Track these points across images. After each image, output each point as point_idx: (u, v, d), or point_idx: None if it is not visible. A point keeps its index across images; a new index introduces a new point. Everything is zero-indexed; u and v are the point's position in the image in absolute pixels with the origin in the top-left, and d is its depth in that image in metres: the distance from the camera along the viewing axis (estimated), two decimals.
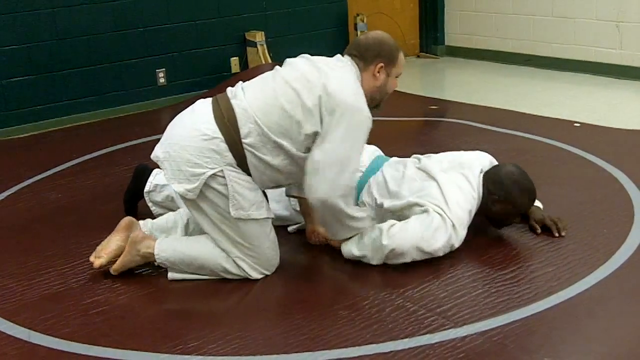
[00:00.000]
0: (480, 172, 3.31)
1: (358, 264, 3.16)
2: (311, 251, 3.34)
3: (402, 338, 2.61)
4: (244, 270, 3.05)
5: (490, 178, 3.27)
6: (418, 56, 7.81)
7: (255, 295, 3.02)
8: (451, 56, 7.66)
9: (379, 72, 3.05)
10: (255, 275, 3.07)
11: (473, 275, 3.03)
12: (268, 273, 3.10)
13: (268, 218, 3.06)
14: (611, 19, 6.32)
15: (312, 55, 3.16)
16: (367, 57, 3.05)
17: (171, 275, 3.12)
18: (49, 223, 3.78)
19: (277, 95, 2.95)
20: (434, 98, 6.03)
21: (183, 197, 3.00)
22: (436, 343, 2.57)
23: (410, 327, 2.67)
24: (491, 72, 6.93)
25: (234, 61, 6.33)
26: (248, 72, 5.70)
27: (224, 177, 2.93)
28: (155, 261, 3.10)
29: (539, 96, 5.95)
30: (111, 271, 3.13)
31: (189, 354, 2.58)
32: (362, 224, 3.09)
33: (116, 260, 3.12)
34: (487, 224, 3.46)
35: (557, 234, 3.31)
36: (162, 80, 6.06)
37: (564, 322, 2.68)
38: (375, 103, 3.10)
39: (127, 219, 3.24)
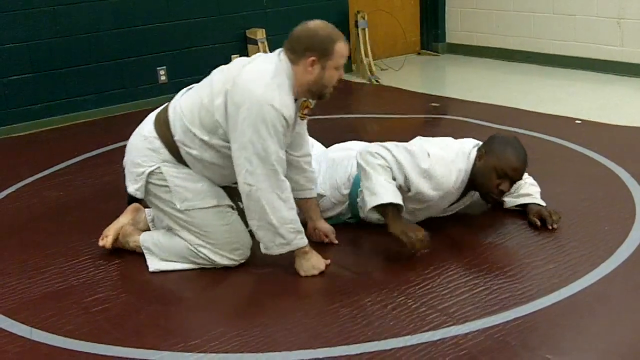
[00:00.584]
0: (471, 151, 3.31)
1: (359, 261, 3.16)
2: (313, 249, 3.33)
3: (403, 335, 2.60)
4: (207, 257, 3.11)
5: (483, 143, 3.34)
6: (419, 53, 7.80)
7: (256, 293, 3.02)
8: (452, 53, 7.65)
9: (311, 66, 2.93)
10: (219, 260, 3.11)
11: (475, 272, 3.02)
12: (235, 258, 3.12)
13: (218, 206, 3.10)
14: (612, 16, 6.31)
15: None
16: (298, 51, 2.94)
17: (152, 265, 3.18)
18: (50, 221, 3.78)
19: (200, 94, 3.04)
20: (435, 95, 6.02)
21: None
22: (438, 340, 2.56)
23: (412, 325, 2.66)
24: (492, 69, 6.93)
25: (235, 59, 6.32)
26: None
27: (161, 172, 3.07)
28: (142, 249, 3.23)
29: (540, 93, 5.94)
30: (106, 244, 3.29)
31: (190, 352, 2.57)
32: (292, 235, 2.98)
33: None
34: (489, 221, 3.46)
35: (549, 227, 3.32)
36: (163, 78, 6.06)
37: (566, 319, 2.68)
38: (314, 96, 3.04)
39: (135, 204, 3.44)
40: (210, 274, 3.13)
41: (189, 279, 3.12)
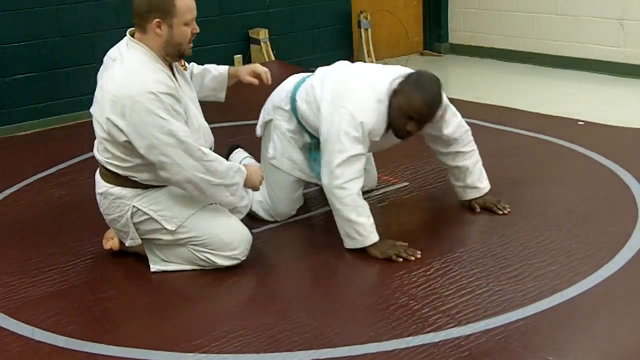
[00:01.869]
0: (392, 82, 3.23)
1: (361, 262, 3.16)
2: (314, 249, 3.33)
3: (405, 336, 2.60)
4: (210, 260, 3.11)
5: (405, 77, 3.21)
6: (421, 54, 7.81)
7: (258, 293, 3.02)
8: (454, 54, 7.66)
9: (159, 28, 2.91)
10: (222, 262, 3.11)
11: (477, 273, 3.02)
12: (237, 256, 3.11)
13: (204, 206, 3.10)
14: (615, 17, 6.31)
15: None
16: (142, 18, 2.93)
17: (154, 266, 3.17)
18: (52, 220, 3.78)
19: (97, 134, 3.05)
20: None
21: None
22: (440, 342, 2.56)
23: (414, 326, 2.66)
24: (494, 70, 6.93)
25: (237, 59, 6.33)
26: None
27: (137, 209, 3.05)
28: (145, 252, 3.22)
29: (542, 94, 5.94)
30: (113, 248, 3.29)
31: (192, 352, 2.57)
32: (233, 177, 3.04)
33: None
34: (491, 223, 3.46)
35: (501, 212, 3.41)
36: None
37: (568, 321, 2.68)
38: (174, 57, 3.00)
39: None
40: (212, 274, 3.13)
41: (191, 279, 3.12)
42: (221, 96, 3.50)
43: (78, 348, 2.64)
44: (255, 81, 3.43)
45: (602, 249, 3.16)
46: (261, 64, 3.60)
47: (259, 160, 3.68)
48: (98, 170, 3.16)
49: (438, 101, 3.16)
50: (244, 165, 3.17)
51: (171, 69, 3.03)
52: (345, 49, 6.86)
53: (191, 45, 3.01)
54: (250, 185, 3.16)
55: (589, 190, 3.82)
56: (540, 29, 6.90)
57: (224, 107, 3.70)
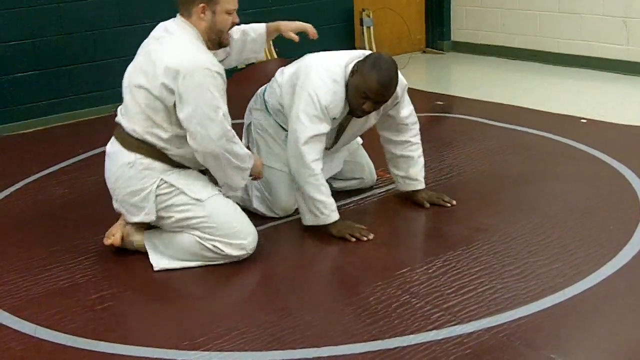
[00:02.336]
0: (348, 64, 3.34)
1: (364, 260, 3.16)
2: (316, 247, 3.34)
3: (408, 334, 2.60)
4: (219, 249, 3.12)
5: (362, 58, 3.32)
6: (424, 51, 7.79)
7: (260, 291, 3.02)
8: (457, 52, 7.64)
9: (203, 13, 3.09)
10: (231, 251, 3.12)
11: (479, 271, 3.02)
12: (246, 246, 3.13)
13: (221, 194, 3.21)
14: (618, 15, 6.29)
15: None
16: (184, 5, 3.12)
17: (156, 264, 3.18)
18: (55, 218, 3.78)
19: (139, 104, 3.12)
20: (440, 94, 6.02)
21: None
22: (442, 339, 2.56)
23: (417, 324, 2.66)
24: (497, 68, 6.92)
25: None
26: (254, 68, 5.70)
27: (165, 181, 3.12)
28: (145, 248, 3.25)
29: (545, 92, 5.93)
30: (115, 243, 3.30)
31: (195, 350, 2.58)
32: (248, 162, 3.19)
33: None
34: (493, 220, 3.46)
35: (448, 205, 3.56)
36: None
37: (571, 319, 2.68)
38: (214, 44, 3.18)
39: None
40: (214, 272, 3.13)
41: (193, 277, 3.12)
42: (260, 56, 3.70)
43: (80, 346, 2.64)
44: (296, 38, 3.57)
45: (604, 247, 3.16)
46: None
47: None
48: (121, 142, 3.18)
49: (394, 82, 3.26)
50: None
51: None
52: (347, 46, 6.85)
53: (230, 35, 3.23)
54: (256, 172, 3.29)
55: (592, 188, 3.81)
56: (543, 26, 6.88)
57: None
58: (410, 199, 3.71)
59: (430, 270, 3.04)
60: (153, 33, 3.23)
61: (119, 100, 6.08)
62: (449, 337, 2.57)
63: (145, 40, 3.24)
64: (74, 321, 2.80)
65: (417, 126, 3.67)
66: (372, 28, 6.96)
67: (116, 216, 3.36)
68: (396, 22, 7.37)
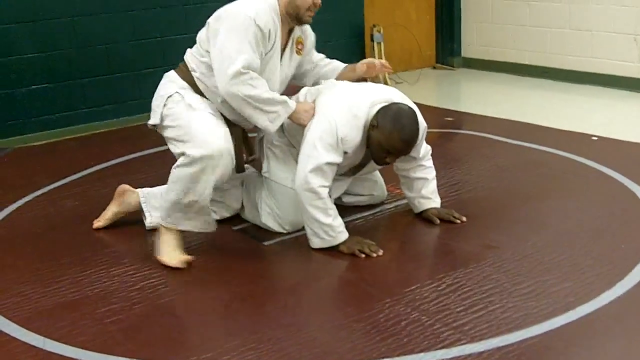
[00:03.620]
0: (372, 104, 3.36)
1: (373, 276, 3.15)
2: (325, 262, 3.33)
3: (417, 352, 2.59)
4: (189, 155, 3.21)
5: (382, 108, 3.34)
6: (434, 67, 7.80)
7: (269, 306, 3.01)
8: (467, 68, 7.65)
9: None
10: (194, 152, 3.21)
11: (490, 289, 3.01)
12: (206, 149, 3.20)
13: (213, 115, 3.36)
14: (629, 32, 6.29)
15: None
16: None
17: (149, 220, 3.60)
18: (65, 231, 3.79)
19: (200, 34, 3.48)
20: (450, 110, 6.02)
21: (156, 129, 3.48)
22: (452, 358, 2.55)
23: (426, 342, 2.65)
24: (507, 84, 6.92)
25: None
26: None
27: (179, 93, 3.38)
28: (141, 203, 3.65)
29: (556, 109, 5.92)
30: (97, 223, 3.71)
31: None
32: (279, 106, 3.30)
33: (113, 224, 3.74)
34: (504, 238, 3.45)
35: (458, 221, 3.54)
36: None
37: (582, 339, 2.66)
38: (293, 19, 3.43)
39: (121, 186, 3.73)
40: (223, 286, 3.13)
41: (202, 292, 3.12)
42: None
43: (89, 359, 2.64)
44: (370, 75, 3.80)
45: (616, 265, 3.14)
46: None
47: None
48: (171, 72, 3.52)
49: (416, 135, 3.33)
50: (299, 102, 3.43)
51: (288, 34, 3.48)
52: (358, 62, 6.86)
53: (310, 14, 3.45)
54: (296, 120, 3.39)
55: (603, 206, 3.80)
56: (554, 43, 6.88)
57: None
58: (420, 215, 3.70)
59: (440, 288, 3.03)
60: None
61: (131, 113, 6.14)
62: (459, 356, 2.56)
63: None
64: (82, 334, 2.80)
65: (430, 151, 3.69)
66: (382, 44, 6.97)
67: (127, 230, 3.38)
68: (406, 38, 7.38)
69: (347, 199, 3.81)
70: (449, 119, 5.75)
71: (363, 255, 3.30)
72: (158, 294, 3.10)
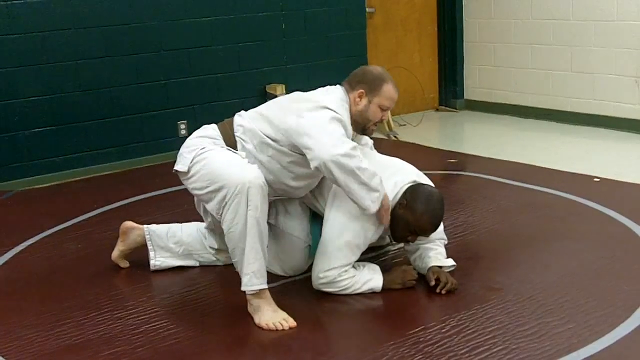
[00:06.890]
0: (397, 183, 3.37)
1: (375, 318, 3.14)
2: (327, 305, 3.32)
3: None
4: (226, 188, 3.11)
5: (411, 187, 3.36)
6: (437, 110, 7.85)
7: (272, 350, 3.00)
8: (470, 110, 7.70)
9: (359, 97, 3.34)
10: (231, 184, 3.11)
11: (493, 331, 3.00)
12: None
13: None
14: (630, 75, 6.34)
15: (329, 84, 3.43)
16: (351, 83, 3.39)
17: (154, 262, 3.65)
18: (69, 273, 3.79)
19: (268, 108, 3.38)
20: (453, 151, 6.04)
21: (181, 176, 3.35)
22: None
23: None
24: (510, 126, 6.95)
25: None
26: None
27: (211, 143, 3.28)
28: (145, 239, 3.67)
29: (558, 150, 5.95)
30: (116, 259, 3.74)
31: None
32: (378, 185, 3.19)
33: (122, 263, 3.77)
34: (507, 280, 3.45)
35: (438, 291, 3.34)
36: (183, 131, 6.11)
37: None
38: (359, 127, 3.39)
39: (125, 223, 3.73)
40: (225, 331, 3.12)
41: (203, 339, 3.11)
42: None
43: None
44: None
45: (618, 307, 3.14)
46: None
47: None
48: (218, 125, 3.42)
49: (441, 221, 3.39)
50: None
51: None
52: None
53: (375, 128, 3.45)
54: (381, 211, 3.25)
55: (605, 248, 3.80)
56: (556, 85, 6.94)
57: None
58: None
59: (444, 330, 3.02)
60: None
61: (135, 156, 6.16)
62: None
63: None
64: None
65: (445, 241, 3.66)
66: None
67: (132, 273, 3.38)
68: (410, 81, 7.44)
69: None
70: (452, 160, 5.77)
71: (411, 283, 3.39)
72: (161, 337, 3.09)
